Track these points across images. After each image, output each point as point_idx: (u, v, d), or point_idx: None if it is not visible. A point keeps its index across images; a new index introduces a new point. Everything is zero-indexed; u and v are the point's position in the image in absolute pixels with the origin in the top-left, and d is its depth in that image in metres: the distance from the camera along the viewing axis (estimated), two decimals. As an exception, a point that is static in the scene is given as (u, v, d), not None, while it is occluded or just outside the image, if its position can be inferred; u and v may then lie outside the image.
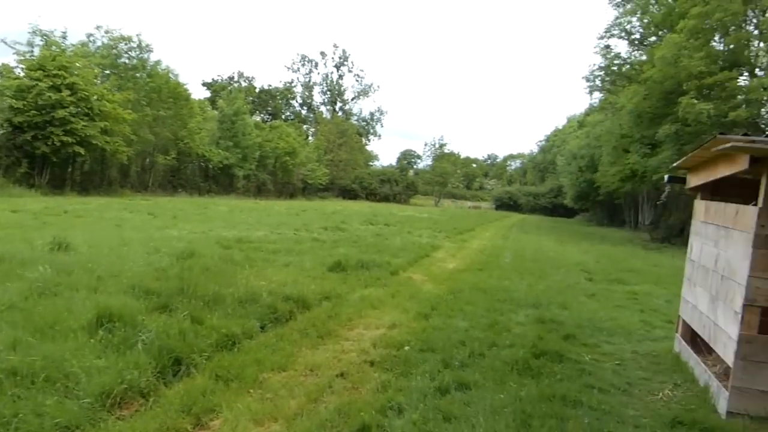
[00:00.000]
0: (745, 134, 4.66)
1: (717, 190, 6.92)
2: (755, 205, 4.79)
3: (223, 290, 7.20)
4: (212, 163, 51.10)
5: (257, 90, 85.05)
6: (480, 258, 16.16)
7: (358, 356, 5.91)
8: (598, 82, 31.82)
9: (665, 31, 26.10)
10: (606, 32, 31.01)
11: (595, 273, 14.42)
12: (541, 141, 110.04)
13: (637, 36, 30.96)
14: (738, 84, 22.35)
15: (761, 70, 22.62)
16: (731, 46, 22.21)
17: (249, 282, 8.17)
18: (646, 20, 29.03)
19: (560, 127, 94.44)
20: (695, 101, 20.91)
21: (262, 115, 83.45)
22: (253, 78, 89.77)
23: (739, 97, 20.95)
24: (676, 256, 21.48)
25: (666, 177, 7.13)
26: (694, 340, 6.54)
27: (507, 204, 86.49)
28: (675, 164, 7.03)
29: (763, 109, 22.28)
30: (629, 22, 30.13)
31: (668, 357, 6.74)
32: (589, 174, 46.66)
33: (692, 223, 6.88)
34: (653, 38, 28.49)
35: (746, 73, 23.40)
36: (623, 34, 30.57)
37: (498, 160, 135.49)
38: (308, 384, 5.05)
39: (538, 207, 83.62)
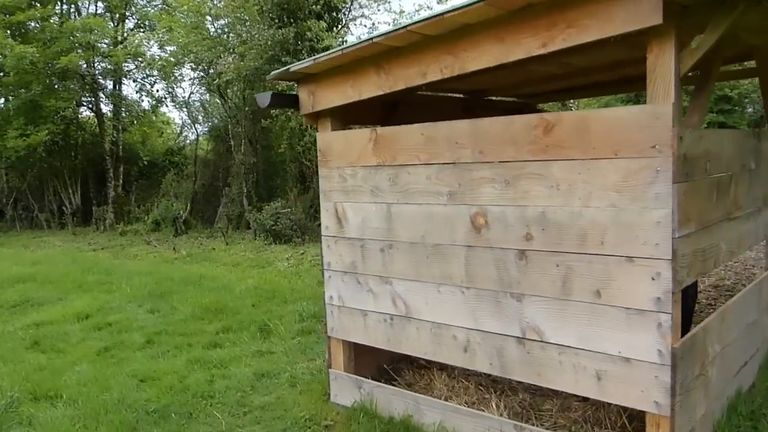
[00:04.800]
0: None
1: (353, 117, 4.12)
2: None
3: None
4: None
5: None
6: None
7: None
8: None
9: None
10: None
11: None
12: None
13: None
14: (52, 23, 18.62)
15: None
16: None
17: None
18: None
19: None
20: (14, 42, 16.20)
21: None
22: None
23: (66, 40, 17.37)
24: (33, 246, 16.87)
25: (266, 97, 3.73)
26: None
27: None
28: (280, 71, 3.75)
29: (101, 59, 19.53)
30: None
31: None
32: None
33: (327, 176, 3.90)
34: None
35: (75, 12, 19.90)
36: None
37: None
38: None
39: None
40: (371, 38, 3.23)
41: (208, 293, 7.96)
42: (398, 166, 3.58)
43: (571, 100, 11.67)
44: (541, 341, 3.04)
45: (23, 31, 19.17)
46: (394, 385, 4.04)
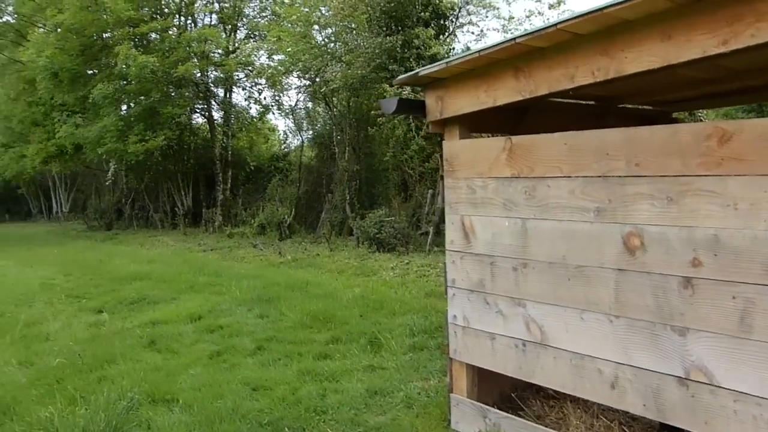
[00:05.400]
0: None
1: (479, 124, 3.84)
2: None
3: None
4: None
5: None
6: None
7: None
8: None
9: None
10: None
11: (92, 296, 9.54)
12: None
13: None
14: (170, 35, 19.71)
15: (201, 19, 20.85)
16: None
17: None
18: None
19: None
20: (137, 53, 17.24)
21: None
22: None
23: (183, 50, 18.34)
24: (148, 245, 17.84)
25: (392, 102, 3.51)
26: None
27: None
28: (406, 76, 3.53)
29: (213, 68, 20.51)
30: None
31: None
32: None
33: (453, 187, 3.65)
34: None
35: (192, 24, 21.06)
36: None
37: None
38: None
39: None
40: (514, 38, 2.96)
41: (315, 300, 7.93)
42: (536, 179, 3.27)
43: (701, 110, 10.77)
44: (711, 384, 2.63)
45: (145, 42, 20.40)
46: (520, 416, 3.72)
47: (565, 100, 5.17)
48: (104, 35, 20.03)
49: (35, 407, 4.56)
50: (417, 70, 3.58)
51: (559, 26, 2.75)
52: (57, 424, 4.17)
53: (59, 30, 19.40)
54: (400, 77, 3.76)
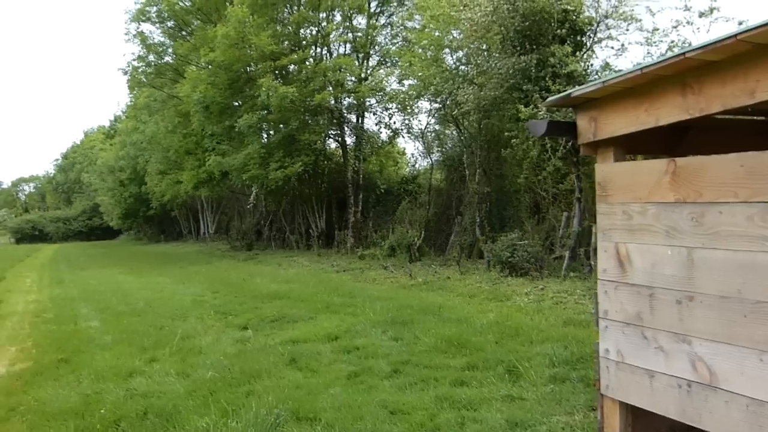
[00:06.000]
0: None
1: (633, 145, 3.60)
2: None
3: None
4: None
5: None
6: (47, 332, 9.81)
7: None
8: (143, 77, 26.64)
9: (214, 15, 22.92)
10: (136, 17, 26.06)
11: (237, 313, 10.10)
12: (57, 160, 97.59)
13: (171, 24, 26.99)
14: (307, 65, 20.85)
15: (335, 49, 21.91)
16: (294, 25, 20.60)
17: None
18: (182, 5, 25.25)
19: (78, 143, 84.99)
20: (278, 84, 18.39)
21: None
22: None
23: (320, 79, 19.31)
24: (285, 264, 18.75)
25: (541, 125, 3.37)
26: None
27: (31, 235, 72.51)
28: (558, 97, 3.36)
29: (346, 95, 21.40)
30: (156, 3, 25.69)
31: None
32: (134, 187, 41.00)
33: (607, 212, 3.42)
34: (197, 22, 25.06)
35: (327, 53, 22.26)
36: (157, 19, 26.21)
37: (4, 185, 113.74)
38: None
39: (72, 233, 72.79)
40: (683, 52, 2.74)
41: (448, 324, 7.85)
42: (705, 204, 2.99)
43: None
44: None
45: (284, 73, 21.66)
46: (682, 463, 3.39)
47: (730, 117, 4.76)
48: (248, 69, 21.54)
49: (192, 417, 4.86)
50: (569, 91, 3.44)
51: (739, 37, 2.51)
52: (212, 434, 4.42)
53: (210, 67, 21.14)
54: (550, 99, 3.63)
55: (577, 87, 3.47)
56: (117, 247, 46.85)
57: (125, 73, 26.73)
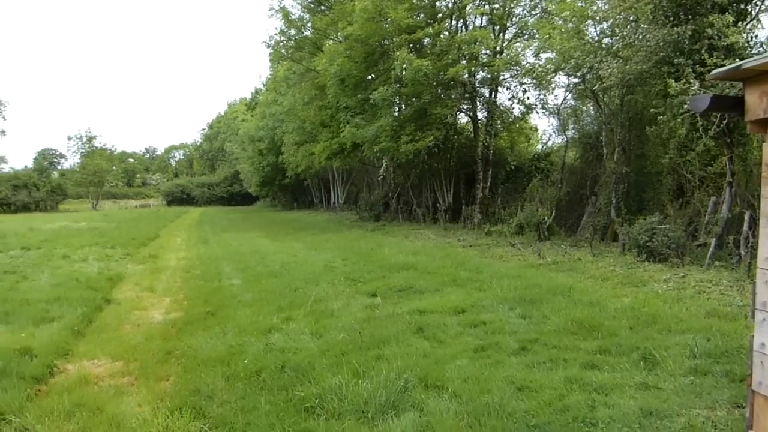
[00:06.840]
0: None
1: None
2: None
3: None
4: None
5: None
6: (196, 287, 10.77)
7: None
8: (284, 51, 27.91)
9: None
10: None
11: (366, 281, 10.45)
12: (203, 129, 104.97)
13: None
14: (441, 38, 20.75)
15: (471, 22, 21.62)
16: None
17: None
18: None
19: (222, 114, 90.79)
20: (412, 57, 18.52)
21: None
22: None
23: (454, 52, 19.21)
24: (412, 237, 19.06)
25: (704, 100, 3.12)
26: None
27: (180, 198, 79.38)
28: (726, 69, 3.09)
29: (480, 68, 21.15)
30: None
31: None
32: (272, 157, 43.28)
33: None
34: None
35: (462, 26, 22.13)
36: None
37: (158, 152, 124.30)
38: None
39: (215, 198, 78.75)
40: None
41: (579, 306, 7.62)
42: None
43: None
44: None
45: (419, 47, 21.68)
46: None
47: None
48: (383, 42, 21.82)
49: (326, 374, 5.16)
50: (739, 63, 3.17)
51: None
52: (345, 392, 4.67)
53: (347, 40, 21.65)
54: (716, 71, 3.36)
55: (738, 60, 3.19)
56: (254, 213, 50.02)
57: (268, 46, 28.13)
